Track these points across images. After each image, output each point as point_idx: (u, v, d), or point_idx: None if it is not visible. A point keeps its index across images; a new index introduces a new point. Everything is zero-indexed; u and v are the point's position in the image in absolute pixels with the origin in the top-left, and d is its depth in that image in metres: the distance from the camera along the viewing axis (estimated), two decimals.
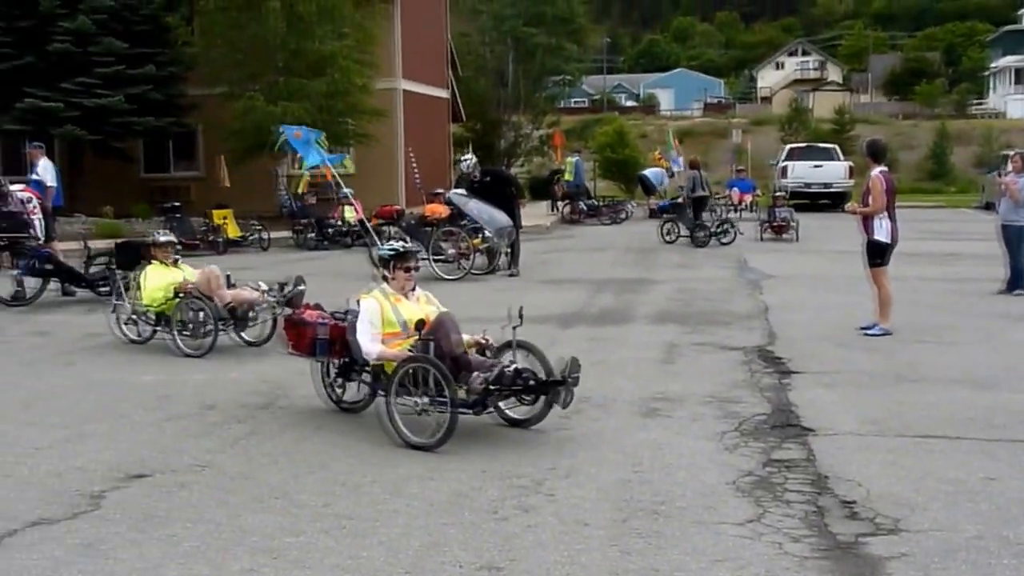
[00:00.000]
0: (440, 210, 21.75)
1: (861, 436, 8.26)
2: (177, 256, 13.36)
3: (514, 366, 8.24)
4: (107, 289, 16.49)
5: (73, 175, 32.51)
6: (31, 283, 16.41)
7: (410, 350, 8.32)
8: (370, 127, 32.25)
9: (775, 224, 27.44)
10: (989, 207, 34.34)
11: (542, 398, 8.30)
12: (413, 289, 8.95)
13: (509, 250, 20.40)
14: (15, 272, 15.77)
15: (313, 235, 26.75)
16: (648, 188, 37.15)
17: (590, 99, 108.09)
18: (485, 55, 50.25)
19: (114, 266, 16.69)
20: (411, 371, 7.98)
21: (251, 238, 27.02)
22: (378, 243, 20.85)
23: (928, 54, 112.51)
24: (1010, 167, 17.08)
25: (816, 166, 39.92)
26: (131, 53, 30.60)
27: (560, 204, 37.76)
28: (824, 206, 38.91)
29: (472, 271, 19.54)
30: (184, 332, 12.12)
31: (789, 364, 11.12)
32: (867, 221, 13.06)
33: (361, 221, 26.40)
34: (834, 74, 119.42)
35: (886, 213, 12.98)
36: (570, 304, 15.80)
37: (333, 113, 31.11)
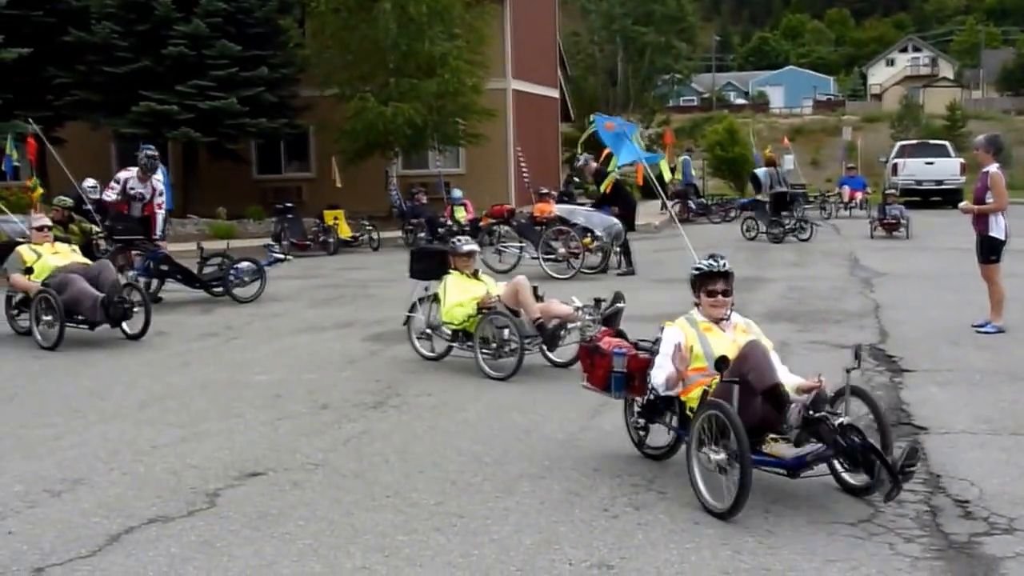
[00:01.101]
0: (549, 209, 21.80)
1: (974, 435, 8.13)
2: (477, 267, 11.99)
3: (840, 420, 6.48)
4: (220, 289, 16.84)
5: (187, 177, 33.14)
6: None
7: (706, 390, 6.90)
8: (480, 127, 32.39)
9: (886, 222, 27.06)
10: None
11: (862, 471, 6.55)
12: (728, 317, 7.40)
13: (620, 249, 20.38)
14: (131, 273, 16.10)
15: (424, 235, 26.94)
16: (759, 186, 36.98)
17: (700, 98, 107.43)
18: (594, 54, 50.27)
19: (233, 264, 16.97)
20: (709, 419, 6.51)
21: (362, 238, 27.30)
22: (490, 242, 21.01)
23: None
24: None
25: (928, 163, 39.26)
26: (244, 56, 31.00)
27: (671, 203, 37.56)
28: (936, 203, 38.27)
29: (582, 270, 19.54)
30: (485, 350, 10.92)
31: (901, 362, 10.96)
32: (982, 218, 12.83)
33: (474, 220, 26.68)
34: (946, 70, 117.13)
35: (1002, 210, 12.78)
36: (682, 303, 15.53)
37: (444, 114, 31.32)
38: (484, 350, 10.92)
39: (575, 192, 31.75)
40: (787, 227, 26.92)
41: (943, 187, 38.45)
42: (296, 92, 33.72)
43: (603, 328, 8.69)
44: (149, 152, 17.16)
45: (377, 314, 15.26)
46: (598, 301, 10.58)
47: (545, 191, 25.39)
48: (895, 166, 39.39)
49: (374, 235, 27.34)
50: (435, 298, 11.60)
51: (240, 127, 31.64)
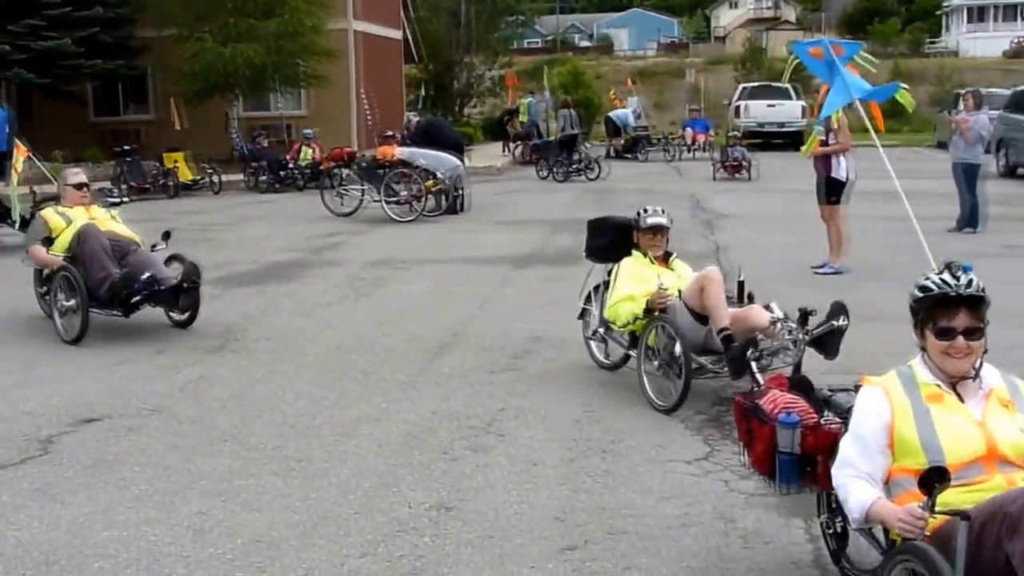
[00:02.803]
0: (392, 152, 21.66)
1: (811, 374, 8.31)
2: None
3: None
4: None
5: (22, 119, 32.04)
6: None
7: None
8: (323, 68, 31.96)
9: (729, 164, 27.48)
10: (942, 146, 34.50)
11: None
12: (974, 375, 4.36)
13: (460, 192, 20.47)
14: None
15: (266, 178, 26.53)
16: (615, 129, 37.41)
17: (544, 40, 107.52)
18: None
19: None
20: None
21: (203, 181, 26.76)
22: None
23: None
24: (962, 106, 17.20)
25: (770, 105, 39.90)
26: None
27: (513, 145, 37.63)
28: (778, 146, 38.99)
29: (424, 213, 19.49)
30: (651, 368, 7.81)
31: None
32: (825, 159, 13.08)
33: (315, 163, 26.43)
34: (789, 13, 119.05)
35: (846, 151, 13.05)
36: (524, 245, 15.80)
37: (284, 55, 30.78)
38: (649, 367, 7.82)
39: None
40: (572, 167, 28.25)
41: (785, 129, 39.17)
42: (133, 32, 32.83)
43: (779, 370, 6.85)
44: None
45: (217, 258, 14.99)
46: (805, 313, 7.71)
47: (389, 133, 25.18)
48: (738, 108, 39.94)
49: (215, 178, 26.78)
50: (607, 286, 8.54)
51: (76, 68, 30.73)
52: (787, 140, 38.18)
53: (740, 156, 27.48)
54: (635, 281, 8.07)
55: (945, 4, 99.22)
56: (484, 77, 49.65)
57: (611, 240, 8.71)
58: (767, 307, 7.91)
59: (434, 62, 48.14)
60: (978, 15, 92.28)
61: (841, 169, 13.01)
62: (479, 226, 18.45)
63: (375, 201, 19.86)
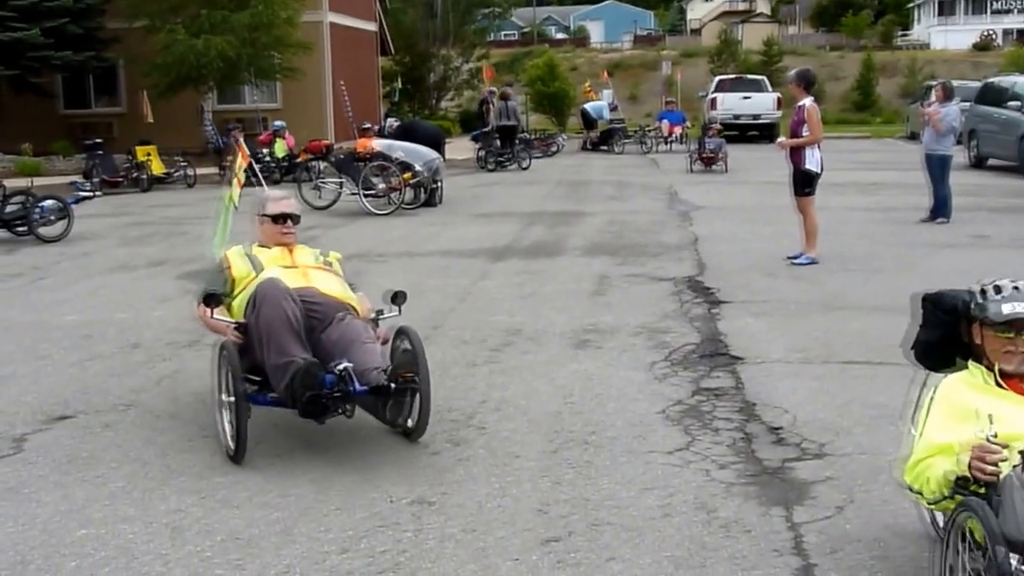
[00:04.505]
0: (370, 144, 21.61)
1: (788, 364, 8.33)
2: None
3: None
4: (24, 229, 16.23)
5: None
6: None
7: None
8: (297, 61, 31.84)
9: (705, 155, 27.56)
10: (914, 137, 34.70)
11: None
12: None
13: (438, 184, 20.51)
14: None
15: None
16: (589, 122, 37.54)
17: (520, 32, 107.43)
18: None
19: (38, 203, 16.32)
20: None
21: (176, 175, 26.63)
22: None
23: None
24: (933, 97, 17.28)
25: (745, 97, 40.06)
26: None
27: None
28: (753, 137, 39.12)
29: (403, 205, 19.44)
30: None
31: (718, 294, 11.17)
32: (797, 151, 13.13)
33: (291, 155, 26.37)
34: (763, 6, 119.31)
35: (817, 144, 13.12)
36: (501, 237, 15.76)
37: (258, 47, 30.65)
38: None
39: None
40: (507, 156, 30.24)
41: (760, 121, 39.35)
42: (103, 23, 32.62)
43: None
44: None
45: (191, 252, 14.90)
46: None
47: (367, 126, 25.16)
48: (713, 100, 40.06)
49: (189, 171, 26.67)
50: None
51: (44, 60, 30.43)
52: (762, 132, 38.33)
53: (716, 148, 27.54)
54: (958, 418, 4.44)
55: None
56: (460, 70, 49.55)
57: (942, 335, 4.92)
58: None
59: (409, 54, 48.05)
60: (948, 8, 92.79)
61: (814, 161, 13.07)
62: (456, 219, 18.42)
63: (352, 194, 19.81)
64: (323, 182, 20.91)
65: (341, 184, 20.40)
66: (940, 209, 16.41)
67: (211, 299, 6.68)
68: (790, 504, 5.47)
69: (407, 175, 19.68)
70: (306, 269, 7.07)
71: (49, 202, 16.56)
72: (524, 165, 30.02)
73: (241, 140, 10.57)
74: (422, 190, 20.34)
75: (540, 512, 5.46)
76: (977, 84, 31.26)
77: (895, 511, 5.34)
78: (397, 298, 6.97)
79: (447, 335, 9.55)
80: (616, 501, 5.59)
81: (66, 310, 11.10)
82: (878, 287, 11.48)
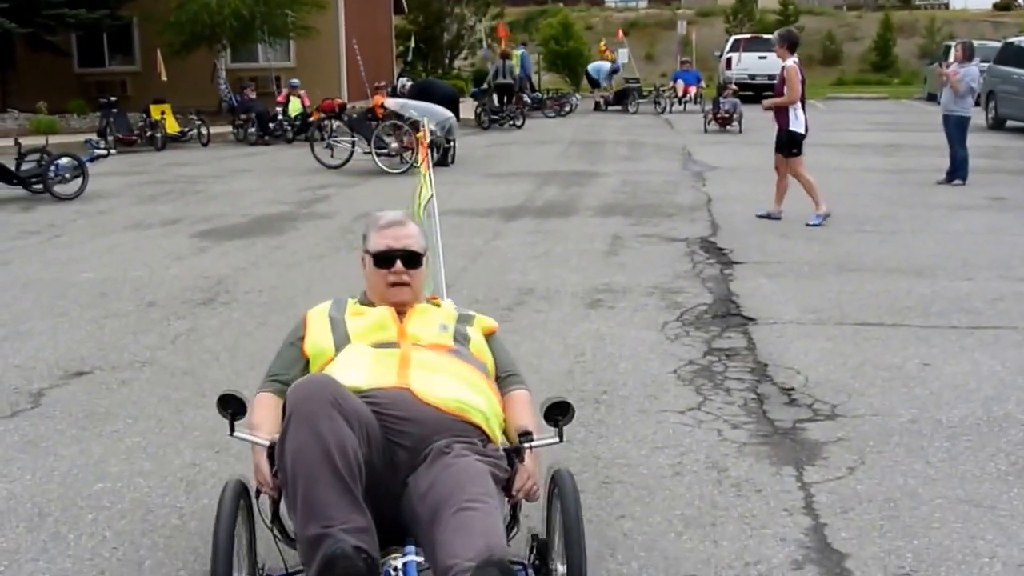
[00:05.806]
0: (381, 101, 21.61)
1: (801, 325, 8.33)
2: None
3: None
4: (40, 187, 16.28)
5: (4, 70, 31.82)
6: None
7: None
8: (311, 19, 31.74)
9: (720, 116, 27.46)
10: (932, 98, 34.52)
11: None
12: None
13: (451, 143, 20.47)
14: None
15: (254, 130, 26.41)
16: (593, 81, 37.52)
17: None
18: None
19: (53, 161, 16.34)
20: None
21: (191, 133, 26.63)
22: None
23: None
24: (952, 58, 17.18)
25: (761, 57, 39.72)
26: None
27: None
28: (769, 97, 38.92)
29: (415, 164, 19.42)
30: None
31: (731, 255, 11.17)
32: (781, 113, 13.22)
33: (304, 114, 26.32)
34: None
35: (799, 103, 13.15)
36: (514, 197, 15.76)
37: (271, 5, 30.55)
38: None
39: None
40: (503, 115, 30.85)
41: (775, 82, 39.01)
42: None
43: None
44: None
45: (206, 210, 14.96)
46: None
47: (380, 84, 25.13)
48: (728, 60, 39.82)
49: (203, 130, 26.65)
50: None
51: (59, 18, 30.25)
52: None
53: (731, 108, 27.44)
54: None
55: None
56: (475, 29, 49.36)
57: None
58: None
59: (423, 13, 47.87)
60: None
61: (799, 122, 13.14)
62: (469, 178, 18.40)
63: (365, 153, 19.80)
64: (335, 141, 20.90)
65: (354, 143, 20.39)
66: (957, 171, 16.36)
67: (227, 404, 4.05)
68: (801, 464, 5.49)
69: (420, 134, 19.65)
70: (412, 352, 4.13)
71: (64, 160, 16.59)
72: (518, 124, 30.59)
73: (425, 132, 8.26)
74: (435, 149, 20.31)
75: (551, 470, 5.48)
76: (997, 44, 31.01)
77: (906, 472, 5.36)
78: (555, 413, 4.04)
79: (460, 294, 9.55)
80: (627, 460, 5.61)
81: (82, 267, 11.14)
82: (893, 249, 11.46)
